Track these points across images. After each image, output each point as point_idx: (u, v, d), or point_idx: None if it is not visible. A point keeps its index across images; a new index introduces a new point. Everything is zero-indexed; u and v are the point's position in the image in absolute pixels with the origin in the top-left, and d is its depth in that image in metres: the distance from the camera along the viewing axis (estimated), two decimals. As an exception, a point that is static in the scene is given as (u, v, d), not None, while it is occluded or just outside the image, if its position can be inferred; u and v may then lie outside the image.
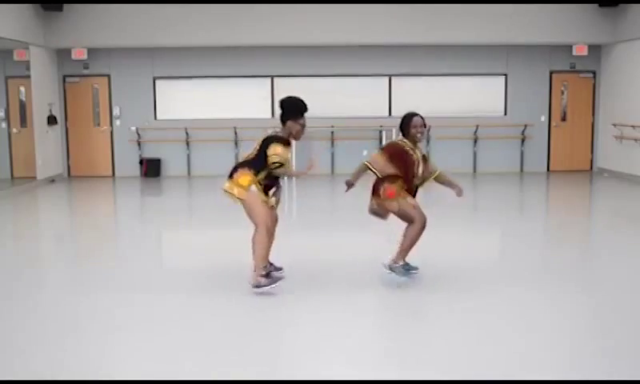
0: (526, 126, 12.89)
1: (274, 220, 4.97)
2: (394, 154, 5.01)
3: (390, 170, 4.95)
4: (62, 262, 6.46)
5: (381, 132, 12.60)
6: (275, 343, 4.00)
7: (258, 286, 4.78)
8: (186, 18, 11.82)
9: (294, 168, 4.77)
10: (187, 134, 12.78)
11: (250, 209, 4.77)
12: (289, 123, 4.83)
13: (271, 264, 5.15)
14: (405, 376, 3.47)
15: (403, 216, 5.00)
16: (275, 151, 4.68)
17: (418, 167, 5.03)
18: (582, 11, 12.00)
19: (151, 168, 12.77)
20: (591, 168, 13.19)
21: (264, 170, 4.74)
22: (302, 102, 4.89)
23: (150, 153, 12.94)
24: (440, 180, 5.31)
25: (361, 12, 11.77)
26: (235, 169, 4.83)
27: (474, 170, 13.02)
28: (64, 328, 4.25)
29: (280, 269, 5.20)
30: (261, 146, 4.77)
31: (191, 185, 12.06)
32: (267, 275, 4.86)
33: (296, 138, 4.87)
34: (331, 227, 7.91)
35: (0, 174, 11.85)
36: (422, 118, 5.04)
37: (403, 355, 3.83)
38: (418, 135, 4.99)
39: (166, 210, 9.87)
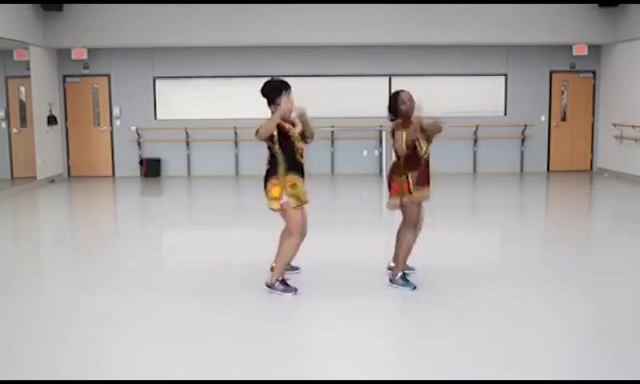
0: (525, 125, 12.88)
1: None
2: (405, 125, 4.77)
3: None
4: (62, 262, 6.46)
5: (381, 132, 12.60)
6: (275, 343, 4.00)
7: (270, 287, 4.84)
8: (186, 18, 11.81)
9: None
10: (187, 134, 12.78)
11: (288, 217, 4.81)
12: (272, 107, 4.76)
13: (288, 264, 5.24)
14: (404, 376, 3.47)
15: (404, 212, 4.92)
16: (260, 125, 4.66)
17: (421, 141, 4.81)
18: (582, 11, 12.00)
19: (151, 168, 12.77)
20: (591, 168, 13.18)
21: (283, 162, 4.72)
22: (276, 81, 4.80)
23: (149, 153, 12.94)
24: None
25: (361, 12, 11.77)
26: (265, 180, 4.81)
27: (474, 170, 13.02)
28: (64, 328, 4.25)
29: (297, 269, 5.33)
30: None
31: (191, 185, 12.06)
32: (283, 282, 4.88)
33: (286, 116, 4.73)
34: (332, 228, 7.90)
35: (0, 174, 11.85)
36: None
37: (402, 355, 3.84)
38: (410, 111, 4.78)
39: (166, 210, 9.87)
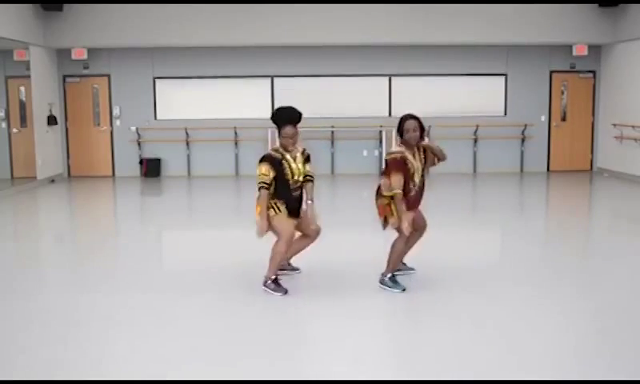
0: (525, 126, 12.89)
1: (317, 232, 5.05)
2: (399, 168, 4.75)
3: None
4: (62, 262, 6.46)
5: (381, 132, 12.61)
6: (276, 343, 4.00)
7: (265, 285, 4.90)
8: (186, 17, 11.81)
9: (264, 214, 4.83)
10: (187, 134, 12.78)
11: (273, 226, 4.86)
12: (278, 135, 4.92)
13: (289, 264, 5.34)
14: (404, 376, 3.47)
15: (398, 229, 4.94)
16: (260, 171, 4.80)
17: (415, 175, 4.83)
18: (582, 11, 12.00)
19: (151, 168, 12.77)
20: (591, 168, 13.19)
21: (270, 189, 4.83)
22: (285, 112, 4.92)
23: (149, 153, 12.94)
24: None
25: (360, 12, 11.77)
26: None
27: (474, 170, 13.02)
28: (64, 328, 4.25)
29: (297, 269, 5.38)
30: None
31: (191, 185, 12.06)
32: (275, 282, 4.90)
33: (286, 148, 4.87)
34: (331, 228, 7.90)
35: (0, 174, 11.85)
36: (417, 119, 4.81)
37: (403, 355, 3.84)
38: (412, 139, 4.77)
39: (166, 209, 9.87)
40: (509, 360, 3.66)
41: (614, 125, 12.13)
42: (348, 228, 7.86)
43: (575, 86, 13.03)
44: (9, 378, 3.46)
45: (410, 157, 4.79)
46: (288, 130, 4.83)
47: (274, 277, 4.88)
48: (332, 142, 12.85)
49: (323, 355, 3.78)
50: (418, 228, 5.06)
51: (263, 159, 4.85)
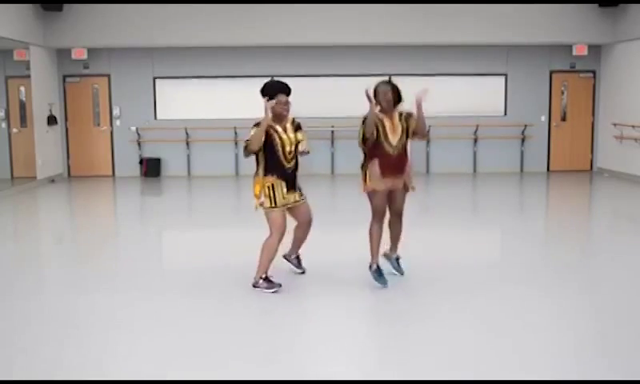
0: (525, 126, 12.88)
1: (308, 222, 5.07)
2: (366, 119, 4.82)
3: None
4: (63, 263, 6.45)
5: (381, 132, 12.59)
6: (275, 343, 4.00)
7: (256, 286, 4.88)
8: (186, 18, 11.81)
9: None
10: (187, 134, 12.78)
11: (266, 216, 4.87)
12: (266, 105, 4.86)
13: (299, 260, 5.35)
14: (404, 376, 3.47)
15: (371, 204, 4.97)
16: (250, 133, 4.78)
17: (390, 135, 4.93)
18: (582, 11, 11.99)
19: (151, 168, 12.76)
20: (591, 168, 13.18)
21: (263, 162, 4.82)
22: (276, 83, 4.92)
23: (149, 153, 12.93)
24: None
25: (360, 12, 11.77)
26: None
27: (474, 170, 13.01)
28: (64, 328, 4.25)
29: (302, 270, 5.38)
30: None
31: (191, 185, 12.06)
32: (267, 280, 4.89)
33: (278, 116, 4.82)
34: (332, 228, 7.90)
35: (0, 174, 11.85)
36: (390, 85, 5.02)
37: (402, 355, 3.84)
38: (383, 104, 4.98)
39: (166, 210, 9.87)
40: (509, 360, 3.66)
41: (614, 125, 12.13)
42: (348, 228, 7.85)
43: (575, 85, 13.03)
44: (9, 378, 3.46)
45: (385, 118, 4.95)
46: (282, 96, 4.82)
47: (264, 275, 4.87)
48: (332, 142, 12.84)
49: (322, 355, 3.78)
50: (395, 211, 5.07)
51: (255, 125, 4.80)
